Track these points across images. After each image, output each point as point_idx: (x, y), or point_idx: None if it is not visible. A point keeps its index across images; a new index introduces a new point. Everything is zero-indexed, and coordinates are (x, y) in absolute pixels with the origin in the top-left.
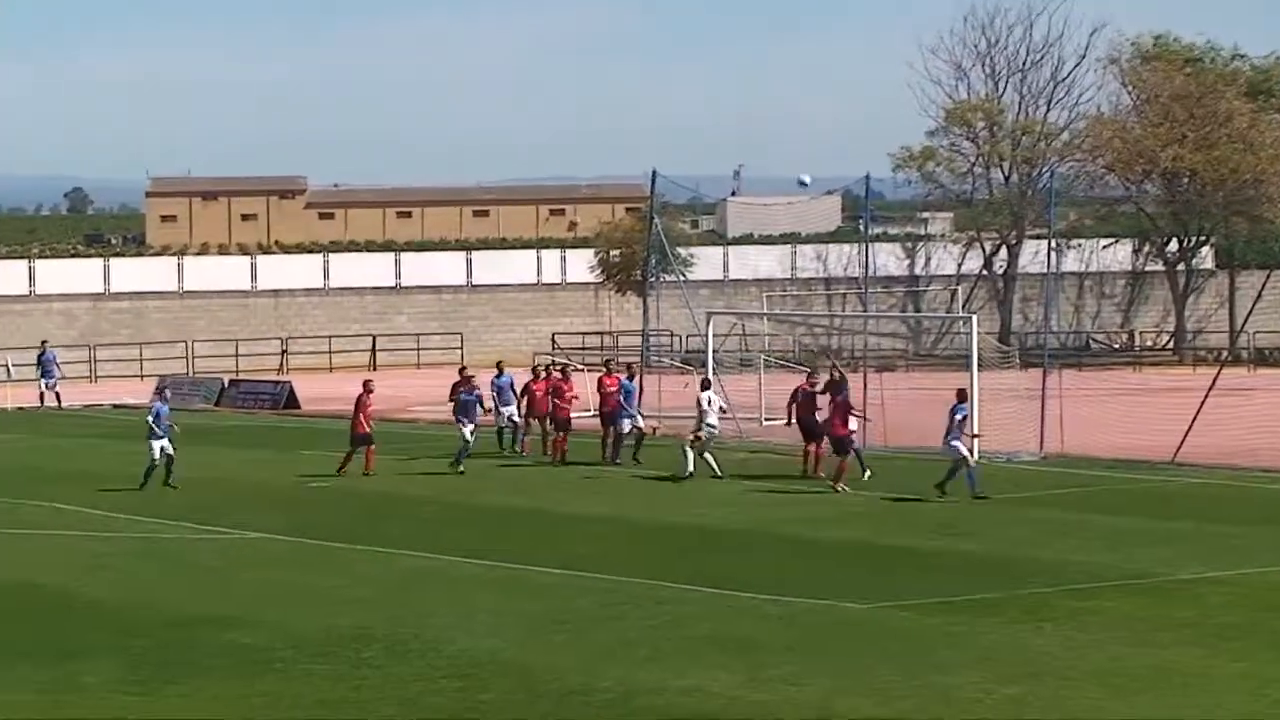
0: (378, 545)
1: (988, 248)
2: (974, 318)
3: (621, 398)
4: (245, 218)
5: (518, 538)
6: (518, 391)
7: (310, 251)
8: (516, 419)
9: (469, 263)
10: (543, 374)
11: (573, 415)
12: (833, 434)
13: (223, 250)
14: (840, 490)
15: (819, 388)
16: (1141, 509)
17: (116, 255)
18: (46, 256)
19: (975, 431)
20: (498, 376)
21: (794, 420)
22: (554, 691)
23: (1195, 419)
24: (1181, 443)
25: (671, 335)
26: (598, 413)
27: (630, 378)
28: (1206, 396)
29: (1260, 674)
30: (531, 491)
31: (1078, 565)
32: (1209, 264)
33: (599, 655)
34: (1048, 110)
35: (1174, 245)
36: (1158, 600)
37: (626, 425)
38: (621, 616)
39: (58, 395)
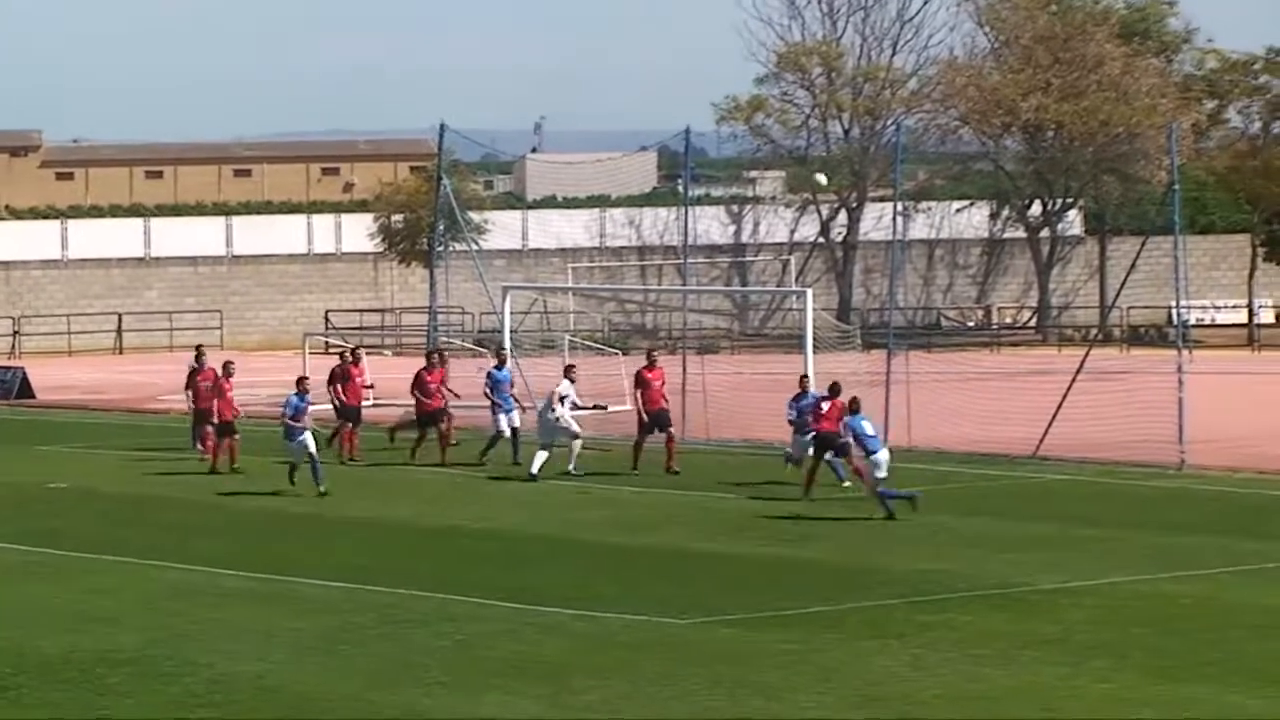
0: (126, 555)
1: (825, 212)
2: (809, 292)
3: (490, 389)
4: None
5: (286, 546)
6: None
7: (46, 217)
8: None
9: (229, 230)
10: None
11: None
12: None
13: None
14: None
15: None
16: (1000, 510)
17: None
18: None
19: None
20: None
21: (643, 411)
22: None
23: (1060, 407)
24: (1044, 434)
25: (463, 313)
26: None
27: (500, 365)
28: (1074, 381)
29: (1129, 696)
30: (301, 494)
31: (927, 575)
32: (1077, 230)
33: (381, 680)
34: (893, 54)
35: (1037, 209)
36: (1017, 614)
37: (504, 422)
38: (406, 636)
39: None
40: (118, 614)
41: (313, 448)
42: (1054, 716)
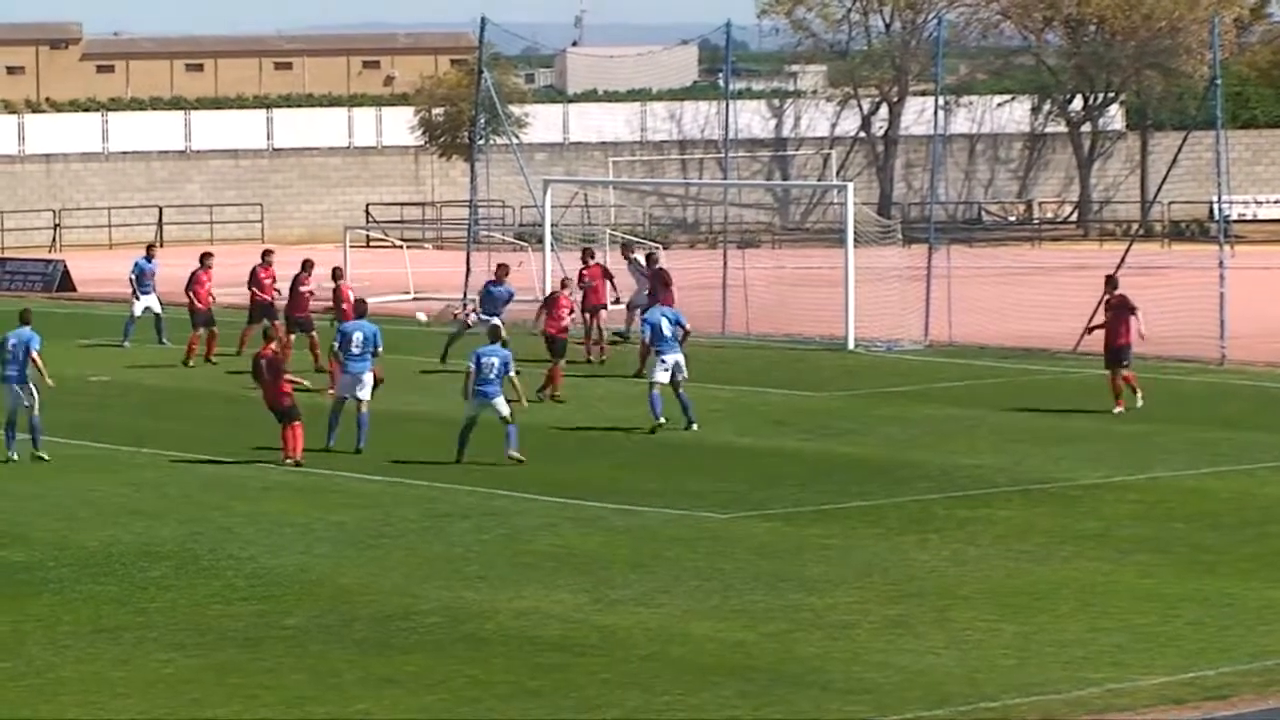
0: (168, 448)
1: (866, 106)
2: (850, 186)
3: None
4: (10, 71)
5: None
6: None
7: (87, 110)
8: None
9: (270, 123)
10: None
11: None
12: None
13: None
14: None
15: None
16: (1040, 405)
17: None
18: None
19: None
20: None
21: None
22: (370, 615)
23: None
24: (1086, 330)
25: (504, 206)
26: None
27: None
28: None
29: (1169, 590)
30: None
31: (967, 470)
32: (1118, 124)
33: (423, 573)
34: None
35: (1078, 103)
36: (1057, 509)
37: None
38: (448, 530)
39: None
40: (159, 508)
41: None
42: (1094, 610)
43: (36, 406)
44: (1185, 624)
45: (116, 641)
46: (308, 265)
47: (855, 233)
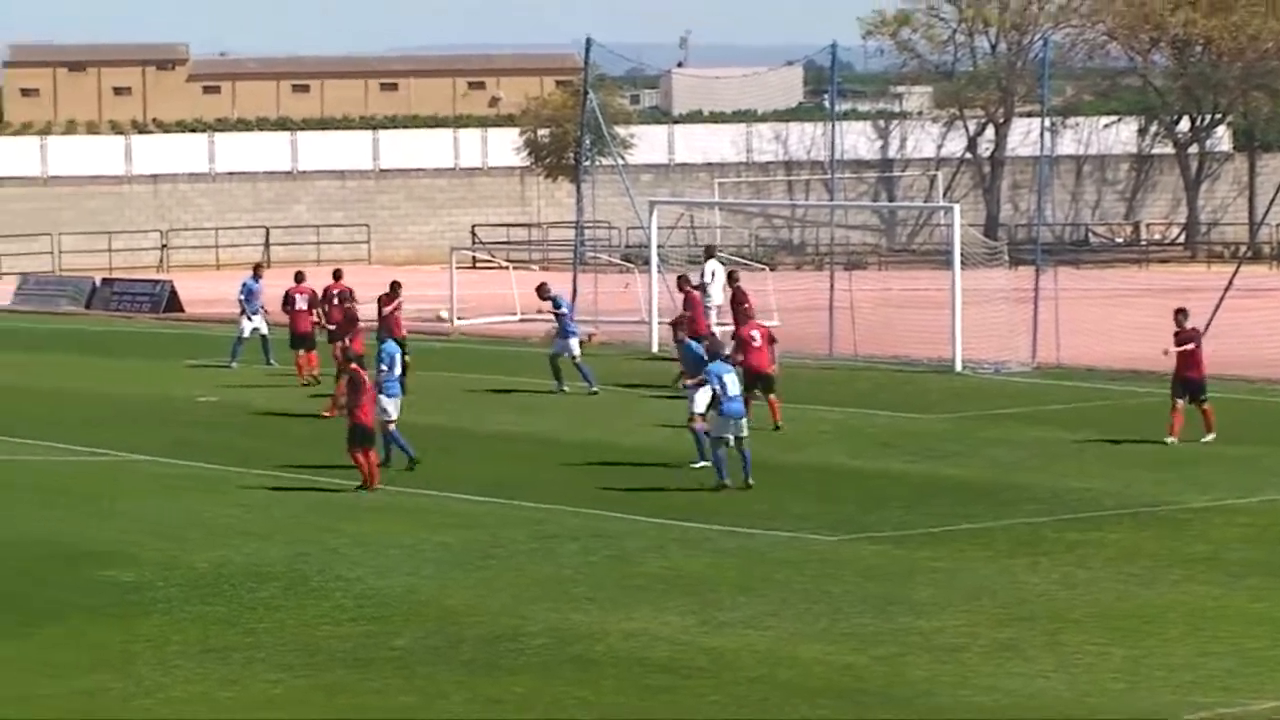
0: (275, 469)
1: (972, 127)
2: (956, 207)
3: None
4: (118, 91)
5: (432, 460)
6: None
7: (194, 130)
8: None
9: (376, 144)
10: None
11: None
12: None
13: (92, 129)
14: None
15: None
16: (1147, 428)
17: None
18: None
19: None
20: None
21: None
22: (477, 636)
23: (1210, 324)
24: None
25: (609, 228)
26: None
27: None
28: (1223, 298)
29: None
30: (448, 406)
31: (1076, 492)
32: (1225, 145)
33: (531, 595)
34: None
35: (1185, 124)
36: (1166, 532)
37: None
38: (556, 551)
39: None
40: (267, 528)
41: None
42: (1204, 634)
43: None
44: None
45: (225, 662)
46: (395, 288)
47: (962, 254)
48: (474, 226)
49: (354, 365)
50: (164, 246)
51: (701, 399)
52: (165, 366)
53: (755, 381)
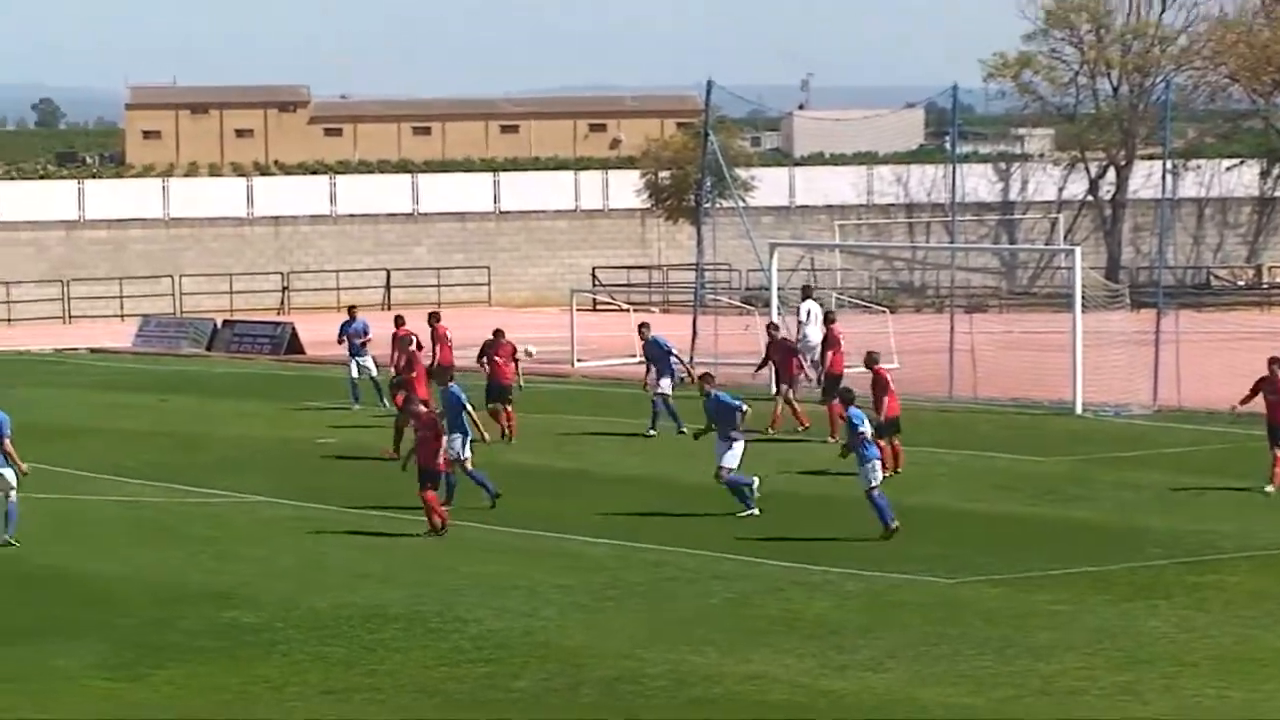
0: (396, 510)
1: (1093, 170)
2: (1077, 250)
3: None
4: (240, 134)
5: (550, 502)
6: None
7: (315, 173)
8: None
9: (496, 186)
10: None
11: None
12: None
13: (214, 171)
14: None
15: None
16: (1266, 472)
17: (92, 177)
18: (12, 178)
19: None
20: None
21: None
22: (597, 678)
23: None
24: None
25: (730, 269)
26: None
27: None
28: None
29: None
30: (570, 450)
31: (1196, 535)
32: None
33: (649, 637)
34: (1163, 10)
35: None
36: None
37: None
38: (675, 593)
39: None
40: (386, 570)
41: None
42: None
43: (14, 493)
44: None
45: (345, 702)
46: (498, 334)
47: (1083, 297)
48: (594, 268)
49: (421, 409)
50: (285, 288)
51: (735, 454)
52: (285, 408)
53: (889, 427)
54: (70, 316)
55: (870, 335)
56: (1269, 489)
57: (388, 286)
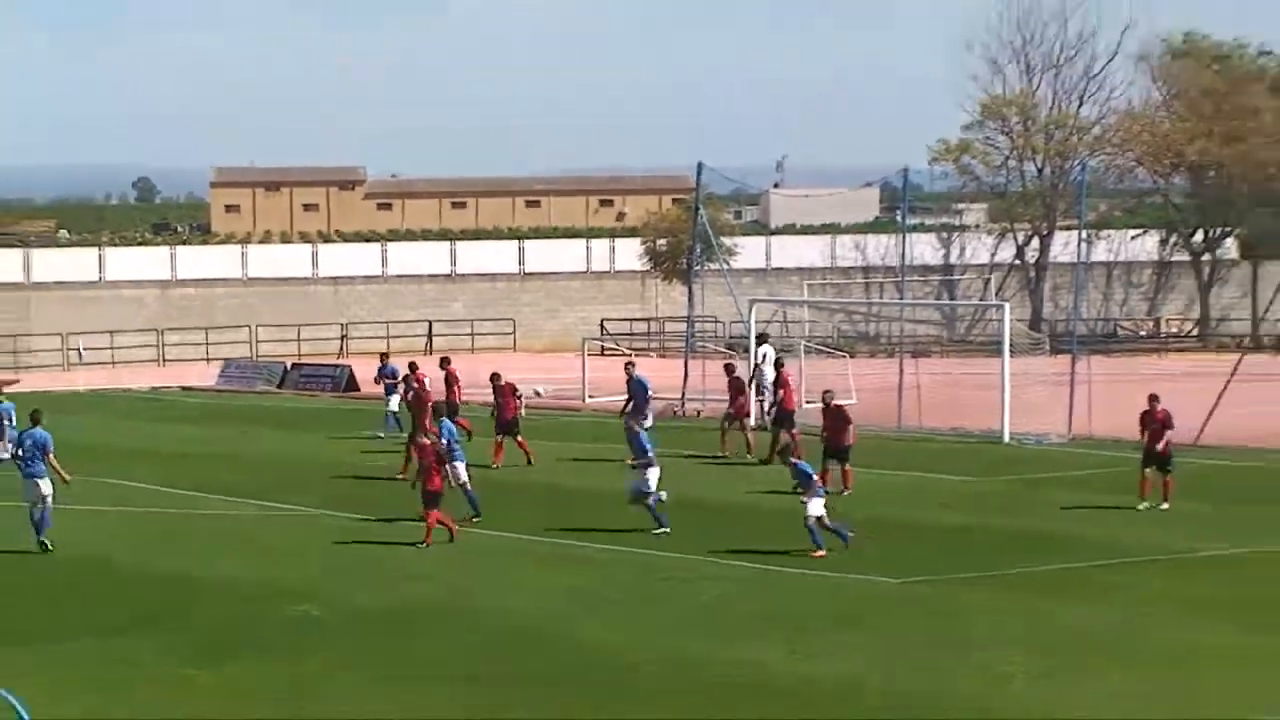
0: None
1: (1020, 238)
2: (1006, 305)
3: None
4: (306, 208)
5: (562, 515)
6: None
7: (369, 240)
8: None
9: (521, 251)
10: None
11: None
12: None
13: (285, 239)
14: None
15: None
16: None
17: (183, 244)
18: (116, 244)
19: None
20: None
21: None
22: (605, 664)
23: (1218, 403)
24: (1204, 426)
25: (715, 321)
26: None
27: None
28: (1229, 381)
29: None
30: (578, 471)
31: (1106, 543)
32: (1233, 255)
33: (647, 629)
34: (1080, 105)
35: (1199, 236)
36: (1180, 578)
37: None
38: (668, 594)
39: None
40: (424, 570)
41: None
42: (1226, 668)
43: (49, 500)
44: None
45: (395, 686)
46: (495, 378)
47: (1010, 344)
48: (603, 320)
49: (424, 442)
50: (343, 337)
51: (652, 477)
52: (343, 437)
53: (838, 453)
54: (165, 360)
55: (834, 376)
56: (1141, 505)
57: (429, 335)
